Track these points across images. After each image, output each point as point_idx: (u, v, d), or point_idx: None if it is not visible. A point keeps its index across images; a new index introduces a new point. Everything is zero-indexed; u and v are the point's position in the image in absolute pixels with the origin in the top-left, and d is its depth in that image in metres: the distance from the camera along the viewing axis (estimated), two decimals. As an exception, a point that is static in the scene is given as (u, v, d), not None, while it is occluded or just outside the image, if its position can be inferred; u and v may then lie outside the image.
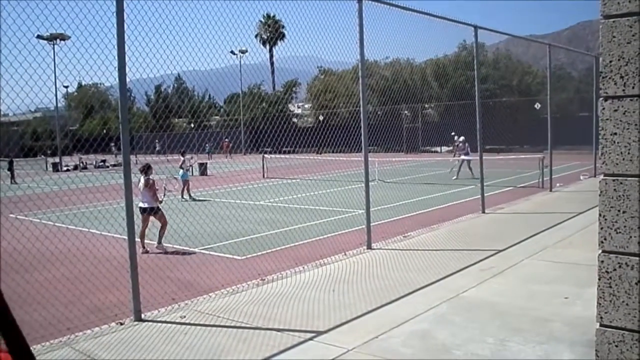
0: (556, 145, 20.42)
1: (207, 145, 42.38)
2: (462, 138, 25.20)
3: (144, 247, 11.90)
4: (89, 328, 6.90)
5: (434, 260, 9.54)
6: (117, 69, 6.91)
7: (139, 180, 12.20)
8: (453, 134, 37.68)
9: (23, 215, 13.80)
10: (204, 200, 20.36)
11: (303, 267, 9.49)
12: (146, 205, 12.14)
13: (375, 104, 45.11)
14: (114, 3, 6.80)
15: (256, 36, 77.42)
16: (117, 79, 6.94)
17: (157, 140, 54.28)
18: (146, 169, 12.49)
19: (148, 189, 12.24)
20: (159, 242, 12.07)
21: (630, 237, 2.43)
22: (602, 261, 2.51)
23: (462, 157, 24.92)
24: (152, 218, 12.25)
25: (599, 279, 2.52)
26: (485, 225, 13.07)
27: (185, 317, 7.10)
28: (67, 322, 7.15)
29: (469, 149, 25.08)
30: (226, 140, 52.41)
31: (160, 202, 12.48)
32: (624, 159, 2.43)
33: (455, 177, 24.47)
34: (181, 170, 21.33)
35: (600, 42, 2.50)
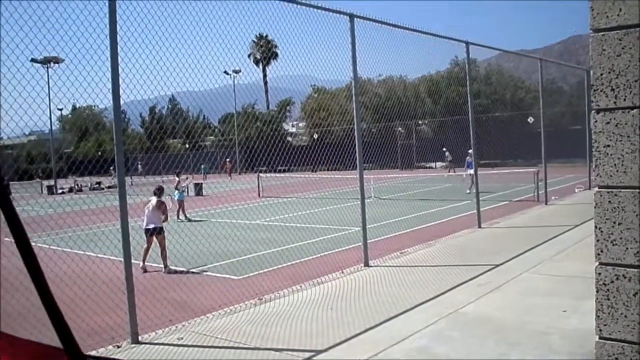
0: (550, 158, 20.49)
1: (202, 165, 42.01)
2: (470, 151, 25.08)
3: (143, 263, 12.15)
4: (85, 351, 6.82)
5: (431, 276, 9.52)
6: (111, 91, 6.92)
7: (149, 202, 12.57)
8: (444, 149, 37.76)
9: (18, 239, 13.71)
10: (200, 221, 20.31)
11: (300, 286, 9.45)
12: (150, 227, 12.27)
13: (369, 121, 45.19)
14: (107, 25, 6.83)
15: (249, 56, 77.66)
16: (111, 101, 6.95)
17: (139, 162, 53.73)
18: (160, 191, 12.91)
19: (158, 209, 12.48)
20: (166, 266, 12.14)
21: (627, 248, 2.43)
22: (600, 273, 2.51)
23: (469, 171, 24.78)
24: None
25: (597, 292, 2.52)
26: (482, 240, 13.07)
27: (182, 338, 7.06)
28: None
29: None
30: (227, 160, 52.36)
31: (165, 220, 12.66)
32: (617, 171, 2.44)
33: (468, 192, 24.36)
34: (176, 191, 21.27)
35: (590, 55, 2.52)
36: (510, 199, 21.68)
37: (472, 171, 24.51)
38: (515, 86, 52.27)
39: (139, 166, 53.17)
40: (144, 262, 12.18)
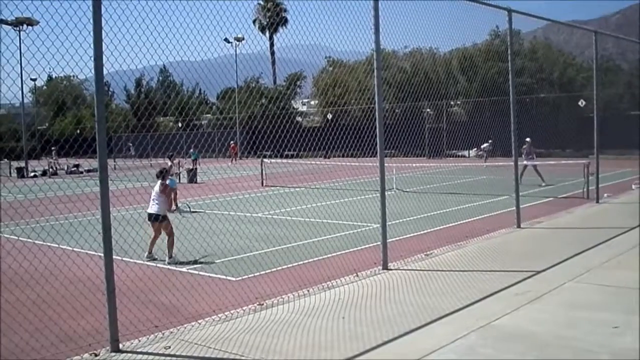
0: (604, 148, 20.37)
1: (191, 150, 40.44)
2: (528, 140, 25.08)
3: (150, 253, 12.88)
4: (59, 360, 6.90)
5: (460, 283, 9.50)
6: (93, 58, 6.92)
7: (156, 185, 13.18)
8: (489, 141, 37.70)
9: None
10: (194, 212, 20.38)
11: (308, 291, 9.47)
12: (154, 211, 12.83)
13: (392, 100, 45.09)
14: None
15: (254, 21, 77.63)
16: (92, 71, 6.94)
17: (130, 143, 53.86)
18: (163, 174, 13.51)
19: (161, 194, 13.01)
20: (170, 257, 12.61)
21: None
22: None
23: (526, 162, 24.74)
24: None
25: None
26: (521, 242, 13.03)
27: (170, 347, 7.09)
28: (33, 353, 7.15)
29: (534, 153, 25.27)
30: (232, 142, 52.40)
31: (172, 210, 13.06)
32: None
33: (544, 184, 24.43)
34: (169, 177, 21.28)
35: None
36: (556, 195, 21.56)
37: (527, 162, 24.56)
38: (564, 63, 51.86)
39: (131, 148, 53.44)
40: (150, 249, 12.90)
